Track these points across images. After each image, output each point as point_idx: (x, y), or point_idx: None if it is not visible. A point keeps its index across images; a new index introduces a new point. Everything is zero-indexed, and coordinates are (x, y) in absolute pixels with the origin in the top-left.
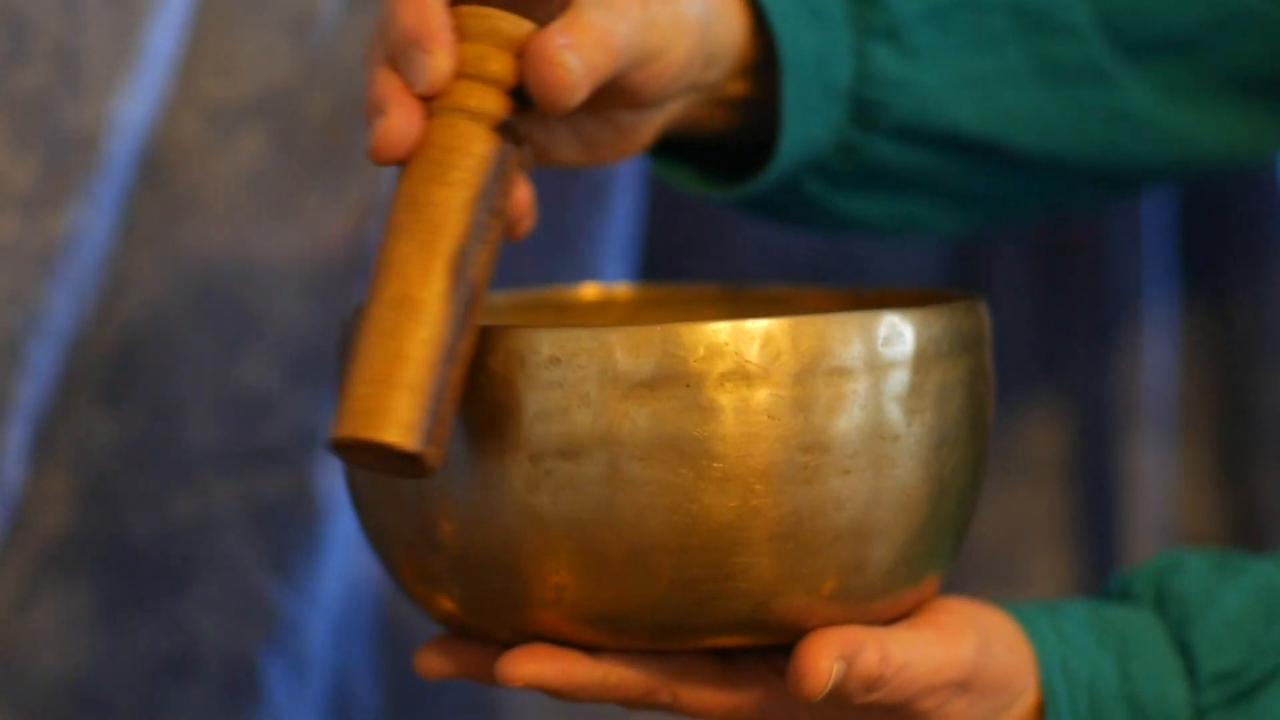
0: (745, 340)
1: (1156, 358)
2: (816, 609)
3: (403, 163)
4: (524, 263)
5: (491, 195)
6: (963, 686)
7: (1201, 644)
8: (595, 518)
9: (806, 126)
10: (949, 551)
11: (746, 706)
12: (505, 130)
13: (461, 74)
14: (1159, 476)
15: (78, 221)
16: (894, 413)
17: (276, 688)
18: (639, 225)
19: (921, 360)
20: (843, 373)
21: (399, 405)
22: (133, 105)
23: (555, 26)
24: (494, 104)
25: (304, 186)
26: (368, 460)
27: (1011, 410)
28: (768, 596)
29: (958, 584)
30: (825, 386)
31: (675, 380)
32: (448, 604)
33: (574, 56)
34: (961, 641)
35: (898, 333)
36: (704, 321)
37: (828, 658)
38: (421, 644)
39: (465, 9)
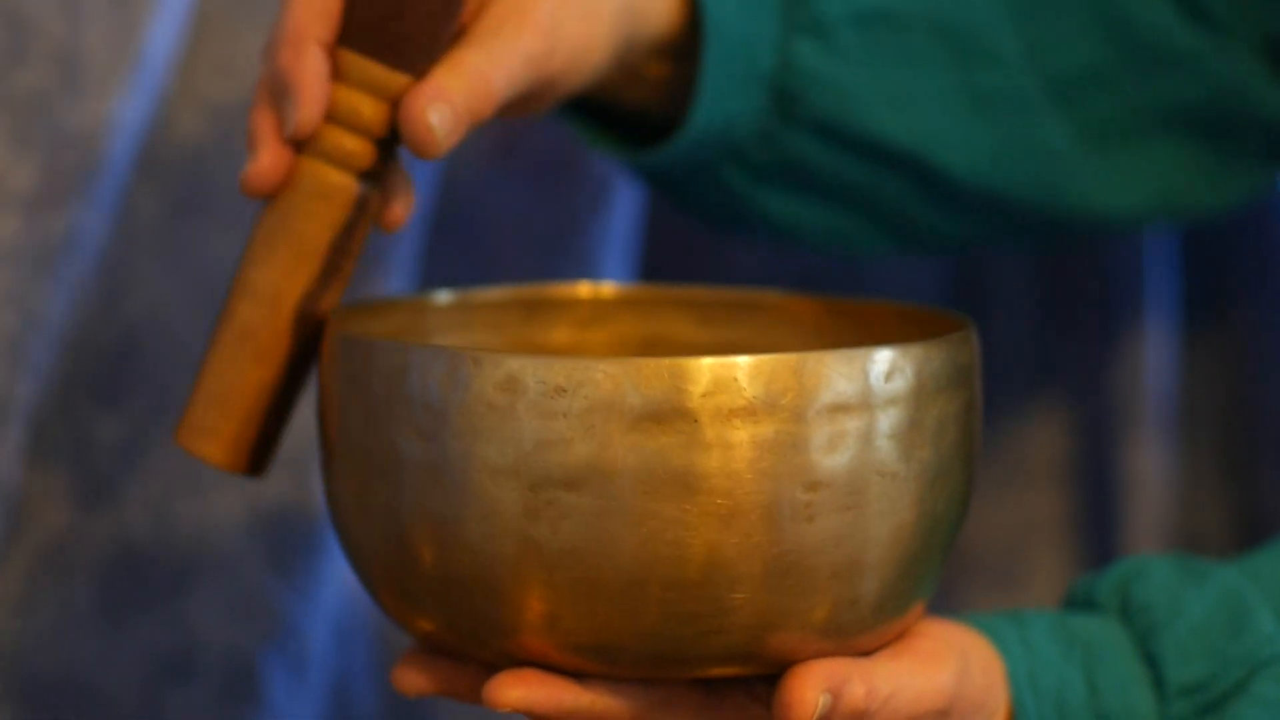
0: (750, 376)
1: (1158, 358)
2: (808, 642)
3: (270, 197)
4: (525, 261)
5: (346, 238)
6: (942, 713)
7: (1168, 655)
8: (594, 548)
9: (723, 104)
10: (934, 581)
11: None
12: (367, 177)
13: (333, 119)
14: (1161, 477)
15: (78, 221)
16: (893, 450)
17: (276, 688)
18: (639, 225)
19: (921, 396)
20: (845, 409)
21: (229, 431)
22: (133, 105)
23: (429, 81)
24: (360, 152)
25: None
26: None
27: (1013, 411)
28: (761, 631)
29: (960, 585)
30: (828, 423)
31: (681, 415)
32: (427, 624)
33: (440, 115)
34: (943, 669)
35: (898, 368)
36: (710, 356)
37: (814, 689)
38: (399, 659)
39: (348, 54)
